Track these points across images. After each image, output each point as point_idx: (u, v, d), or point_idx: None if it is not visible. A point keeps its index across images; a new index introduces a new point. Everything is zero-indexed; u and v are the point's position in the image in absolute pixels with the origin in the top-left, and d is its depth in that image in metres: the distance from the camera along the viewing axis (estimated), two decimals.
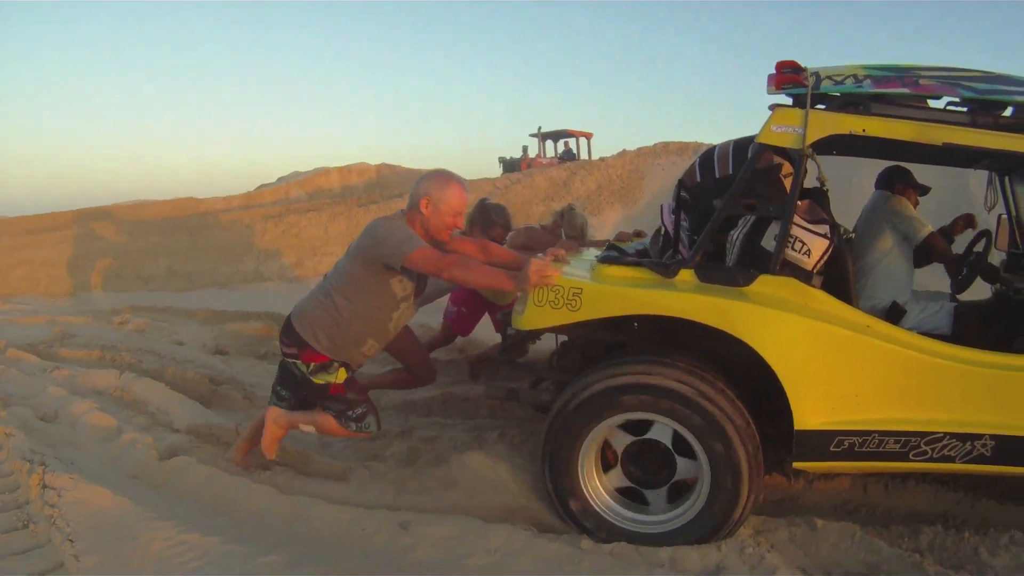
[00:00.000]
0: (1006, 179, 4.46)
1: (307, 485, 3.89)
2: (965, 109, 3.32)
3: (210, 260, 13.41)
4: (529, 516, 3.56)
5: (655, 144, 21.00)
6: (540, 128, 27.56)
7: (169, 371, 5.95)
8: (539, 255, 3.69)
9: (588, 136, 27.45)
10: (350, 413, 3.79)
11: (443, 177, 3.70)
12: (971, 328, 3.93)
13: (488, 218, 5.35)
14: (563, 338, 4.10)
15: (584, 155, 26.70)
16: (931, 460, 3.20)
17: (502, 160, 26.77)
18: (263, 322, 7.82)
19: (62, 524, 3.33)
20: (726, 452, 3.16)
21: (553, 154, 27.74)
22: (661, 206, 4.17)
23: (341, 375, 3.75)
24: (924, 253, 4.36)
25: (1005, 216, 4.52)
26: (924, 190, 4.60)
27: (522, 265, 3.55)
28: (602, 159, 20.85)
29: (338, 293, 3.68)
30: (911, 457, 3.20)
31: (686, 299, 3.25)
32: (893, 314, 3.99)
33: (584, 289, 3.33)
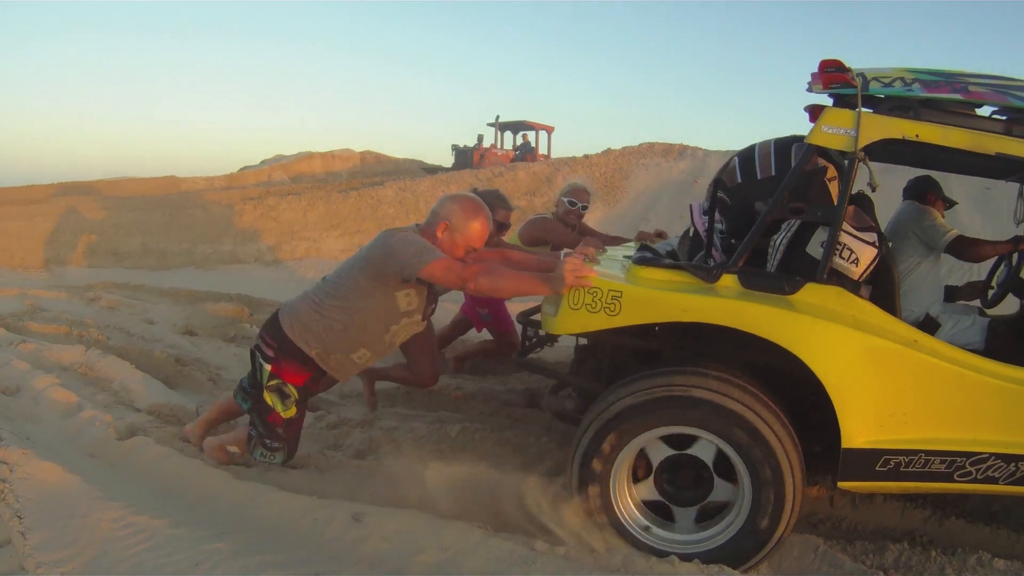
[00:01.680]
0: None
1: (263, 471, 3.75)
2: (1005, 118, 3.13)
3: (188, 240, 13.28)
4: (485, 515, 3.39)
5: (641, 144, 21.26)
6: (498, 117, 26.24)
7: (135, 349, 5.81)
8: (564, 252, 3.48)
9: (549, 130, 26.44)
10: (267, 441, 3.53)
11: (470, 206, 3.47)
12: (1004, 343, 3.82)
13: (487, 203, 4.98)
14: (582, 341, 3.88)
15: (543, 150, 26.17)
16: (975, 481, 3.05)
17: (455, 148, 25.68)
18: (235, 304, 7.69)
19: (11, 499, 3.22)
20: (774, 477, 2.96)
21: (511, 146, 26.90)
22: (691, 206, 4.00)
23: (291, 411, 3.51)
24: (953, 255, 4.26)
25: None
26: (951, 203, 4.51)
27: (549, 267, 3.35)
28: (586, 156, 20.81)
29: (336, 299, 3.47)
30: (956, 478, 3.06)
31: (733, 306, 3.05)
32: (927, 326, 3.87)
33: (624, 292, 3.10)
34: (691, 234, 4.02)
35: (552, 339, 4.27)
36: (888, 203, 4.43)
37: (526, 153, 25.65)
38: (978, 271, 6.94)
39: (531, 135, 26.96)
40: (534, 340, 4.11)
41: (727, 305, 3.04)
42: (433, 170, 24.23)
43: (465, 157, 24.96)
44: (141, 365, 5.40)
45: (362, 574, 2.90)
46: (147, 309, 7.94)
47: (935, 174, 4.54)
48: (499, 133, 26.43)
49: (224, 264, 12.67)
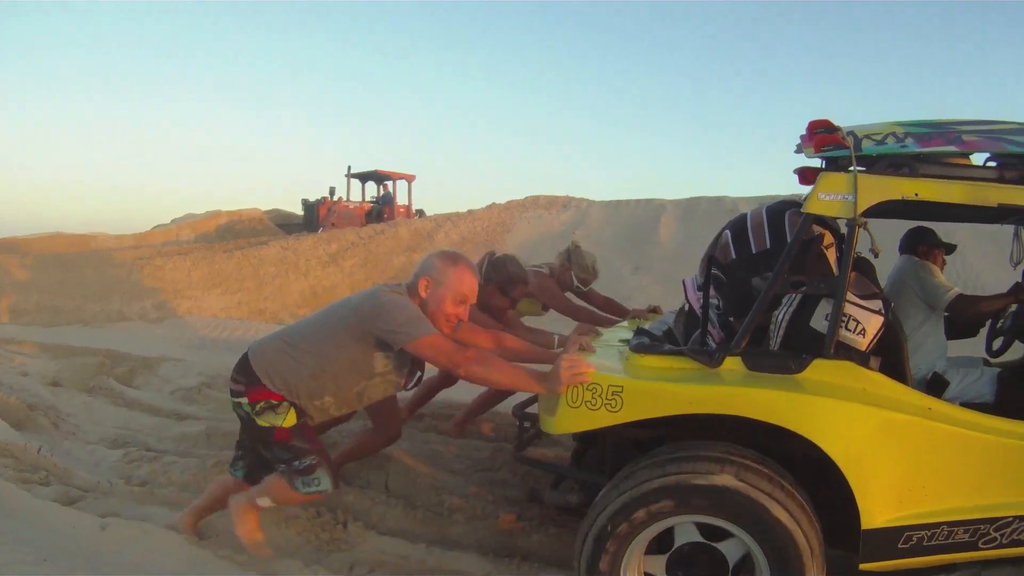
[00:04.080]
0: None
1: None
2: (995, 164, 3.07)
3: (79, 297, 13.63)
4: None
5: (525, 197, 21.89)
6: (350, 168, 24.53)
7: None
8: (557, 343, 3.43)
9: (409, 179, 24.57)
10: (296, 464, 3.25)
11: (449, 257, 3.31)
12: (1013, 393, 3.71)
13: (508, 276, 4.69)
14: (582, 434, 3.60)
15: (403, 200, 24.35)
16: (1001, 546, 2.93)
17: (304, 203, 23.74)
18: (99, 359, 7.98)
19: None
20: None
21: (366, 198, 24.94)
22: (684, 282, 3.79)
23: (290, 418, 3.25)
24: (953, 315, 4.17)
25: None
26: (950, 249, 4.39)
27: (541, 356, 3.24)
28: (470, 211, 21.12)
29: (307, 344, 3.28)
30: (981, 546, 2.93)
31: (737, 393, 2.88)
32: (935, 385, 3.77)
33: (625, 387, 2.91)
34: (686, 310, 3.85)
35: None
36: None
37: (384, 205, 23.96)
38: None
39: (400, 186, 24.75)
40: (531, 432, 3.81)
41: (733, 392, 2.89)
42: (289, 228, 23.33)
43: (312, 212, 23.02)
44: None
45: None
46: (24, 363, 8.39)
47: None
48: (349, 184, 24.58)
49: (111, 321, 12.93)
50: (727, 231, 3.50)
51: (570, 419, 2.97)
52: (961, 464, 2.93)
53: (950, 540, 2.93)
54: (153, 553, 3.11)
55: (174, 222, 24.18)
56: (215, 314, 13.59)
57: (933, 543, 2.93)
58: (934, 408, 2.94)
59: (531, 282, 5.03)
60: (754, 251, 3.34)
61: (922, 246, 4.28)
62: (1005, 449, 2.91)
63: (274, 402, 3.25)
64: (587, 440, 3.67)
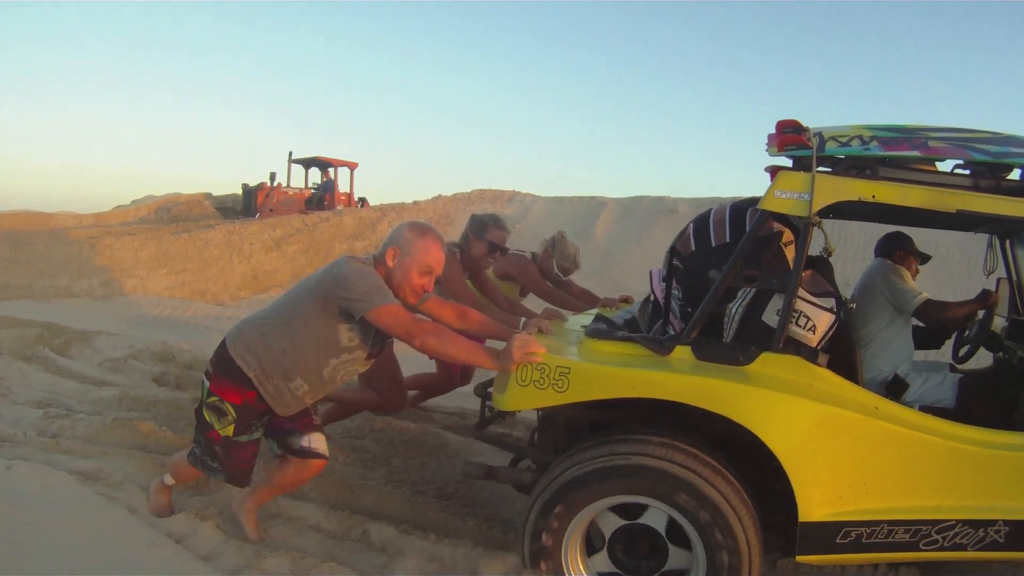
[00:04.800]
0: (1007, 243, 4.23)
1: None
2: (968, 172, 3.10)
3: (29, 274, 13.92)
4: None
5: (472, 191, 21.96)
6: (291, 153, 23.80)
7: None
8: (523, 323, 3.43)
9: (351, 166, 23.97)
10: (206, 459, 3.34)
11: (419, 228, 3.30)
12: (975, 400, 3.70)
13: (481, 222, 4.86)
14: (542, 413, 3.69)
15: (344, 187, 23.80)
16: (943, 549, 2.93)
17: (244, 188, 23.07)
18: (39, 330, 8.17)
19: None
20: (725, 540, 2.83)
21: (307, 184, 24.33)
22: (650, 272, 3.82)
23: (227, 430, 3.28)
24: (921, 320, 4.15)
25: (1005, 280, 4.28)
26: (925, 258, 4.38)
27: (503, 334, 3.21)
28: (415, 203, 21.16)
29: (279, 320, 3.27)
30: (921, 547, 2.94)
31: (682, 381, 2.92)
32: (895, 387, 3.77)
33: (572, 368, 2.94)
34: (651, 301, 3.87)
35: (511, 412, 3.99)
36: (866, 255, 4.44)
37: (325, 192, 23.35)
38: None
39: (344, 174, 24.17)
40: (494, 412, 3.83)
41: (676, 380, 2.93)
42: (226, 212, 22.88)
43: (251, 198, 22.40)
44: None
45: None
46: None
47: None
48: (290, 170, 23.72)
49: (59, 297, 13.25)
50: (691, 224, 3.52)
51: (518, 397, 3.01)
52: (905, 464, 2.95)
53: (890, 539, 2.93)
54: (47, 490, 3.48)
55: (134, 203, 24.20)
56: (159, 293, 14.00)
57: (873, 540, 2.93)
58: (881, 408, 2.96)
59: (513, 264, 5.28)
60: (713, 244, 3.37)
61: (898, 251, 4.27)
62: (952, 453, 2.93)
63: (224, 408, 3.27)
64: (547, 421, 3.69)
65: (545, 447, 3.59)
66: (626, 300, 5.18)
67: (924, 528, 2.93)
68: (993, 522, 2.91)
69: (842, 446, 2.91)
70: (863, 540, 2.93)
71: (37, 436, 4.59)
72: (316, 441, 3.44)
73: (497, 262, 5.14)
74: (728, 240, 3.32)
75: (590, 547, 3.11)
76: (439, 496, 4.32)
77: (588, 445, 3.03)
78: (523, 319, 3.68)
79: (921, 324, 4.31)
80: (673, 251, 3.48)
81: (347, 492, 4.09)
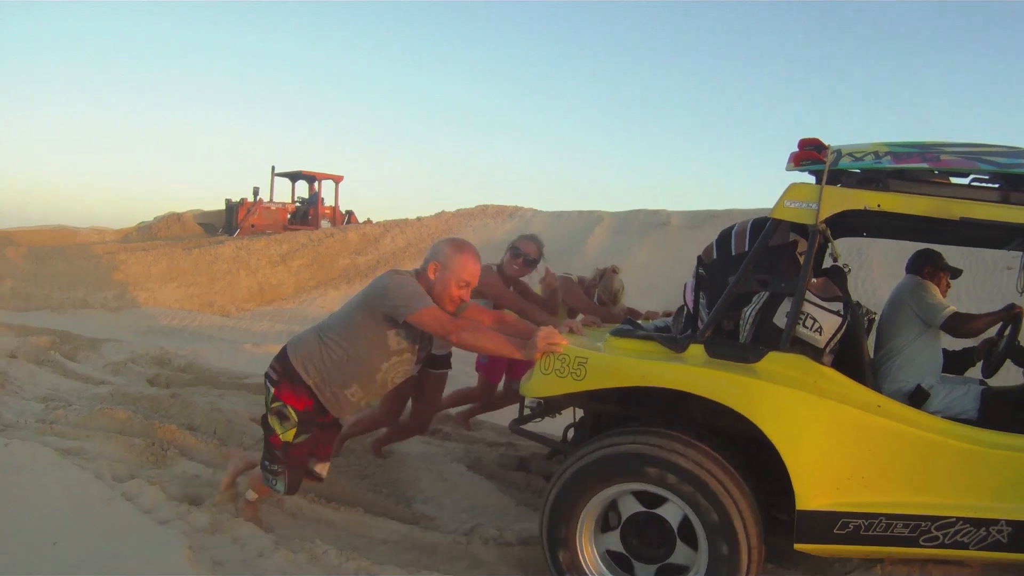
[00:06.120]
0: None
1: None
2: (996, 186, 3.13)
3: (49, 287, 14.68)
4: None
5: (475, 206, 21.98)
6: (273, 168, 23.63)
7: None
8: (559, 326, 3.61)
9: (337, 179, 23.87)
10: (266, 463, 3.61)
11: (457, 245, 3.57)
12: (999, 413, 3.66)
13: (517, 239, 5.22)
14: (581, 413, 3.89)
15: (330, 201, 23.62)
16: (943, 546, 2.96)
17: (228, 203, 23.00)
18: (51, 337, 9.12)
19: None
20: (729, 554, 2.96)
21: (294, 199, 24.06)
22: (685, 284, 3.89)
23: (288, 435, 3.54)
24: (949, 332, 4.14)
25: None
26: (956, 273, 4.39)
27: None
28: (419, 218, 21.30)
29: (333, 332, 3.55)
30: (921, 543, 2.96)
31: (688, 372, 3.07)
32: (917, 397, 3.80)
33: (589, 359, 3.16)
34: (684, 311, 3.97)
35: (552, 411, 4.19)
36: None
37: (310, 206, 23.23)
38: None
39: (331, 187, 23.97)
40: (535, 409, 4.07)
41: (684, 372, 3.08)
42: (210, 228, 22.76)
43: (232, 213, 22.24)
44: None
45: None
46: None
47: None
48: (273, 184, 23.56)
49: (75, 308, 13.93)
50: (717, 236, 3.69)
51: (541, 384, 3.24)
52: (905, 461, 2.99)
53: (889, 533, 2.97)
54: (34, 460, 4.10)
55: (157, 219, 24.55)
56: (169, 305, 14.62)
57: (871, 533, 2.97)
58: (883, 406, 3.03)
59: (559, 282, 5.47)
60: (734, 253, 3.51)
61: (927, 267, 4.29)
62: (954, 451, 2.96)
63: (287, 412, 3.54)
64: (583, 421, 3.90)
65: (577, 443, 3.77)
66: (669, 315, 5.15)
67: (924, 524, 2.95)
68: (995, 522, 2.92)
69: (841, 439, 2.99)
70: (861, 532, 2.99)
71: (36, 423, 5.21)
72: (322, 468, 3.80)
73: (546, 280, 5.43)
74: (746, 249, 3.44)
75: (605, 525, 3.25)
76: (360, 476, 4.85)
77: (623, 430, 3.22)
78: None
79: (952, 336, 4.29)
80: (699, 261, 3.63)
81: None
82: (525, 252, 5.06)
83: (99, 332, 10.58)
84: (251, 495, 3.80)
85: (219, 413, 5.60)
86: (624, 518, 3.21)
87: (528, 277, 5.28)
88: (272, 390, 3.58)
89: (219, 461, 4.67)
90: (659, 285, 12.72)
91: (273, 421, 3.57)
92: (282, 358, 3.61)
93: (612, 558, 3.25)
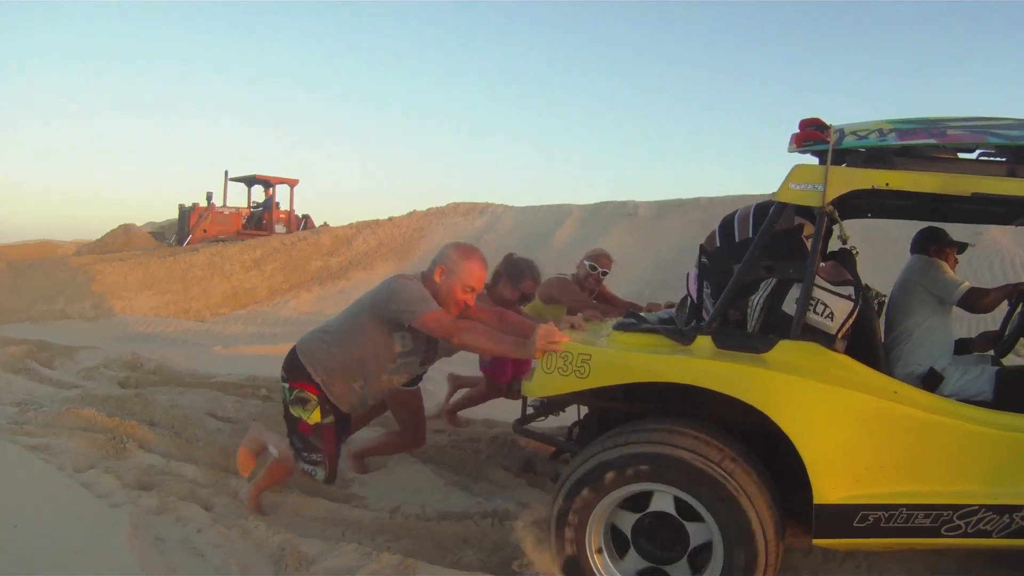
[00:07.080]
0: None
1: None
2: (1004, 160, 3.00)
3: (28, 299, 14.85)
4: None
5: (446, 204, 21.82)
6: (227, 173, 23.18)
7: None
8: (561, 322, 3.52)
9: (291, 183, 23.42)
10: (304, 454, 3.65)
11: (464, 250, 3.58)
12: (1016, 393, 3.54)
13: (518, 270, 5.01)
14: (586, 409, 3.74)
15: (285, 205, 23.30)
16: (965, 535, 2.82)
17: (181, 208, 22.48)
18: (29, 347, 9.13)
19: None
20: (747, 557, 2.82)
21: (249, 203, 23.64)
22: (687, 273, 3.78)
23: (315, 416, 3.59)
24: (966, 308, 4.00)
25: None
26: (962, 247, 4.26)
27: None
28: (391, 219, 21.13)
29: (339, 334, 3.61)
30: (943, 532, 2.83)
31: (696, 365, 2.94)
32: (930, 380, 3.68)
33: (593, 355, 3.02)
34: (688, 301, 3.85)
35: (555, 410, 4.07)
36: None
37: (265, 211, 22.85)
38: (992, 321, 6.43)
39: (281, 190, 23.59)
40: (538, 408, 3.94)
41: (692, 365, 2.95)
42: (160, 237, 22.46)
43: (185, 219, 21.68)
44: None
45: None
46: None
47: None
48: (227, 189, 23.06)
49: (55, 319, 14.03)
50: (719, 223, 3.58)
51: (543, 383, 3.12)
52: (925, 448, 2.85)
53: (910, 524, 2.83)
54: (2, 455, 4.31)
55: (108, 234, 23.74)
56: (145, 313, 14.79)
57: (891, 525, 2.84)
58: (900, 392, 2.90)
59: (554, 286, 5.38)
60: (737, 239, 3.40)
61: (933, 245, 4.16)
62: (974, 437, 2.82)
63: (306, 396, 3.59)
64: (588, 417, 3.75)
65: (582, 441, 3.65)
66: (671, 305, 5.07)
67: (945, 513, 2.81)
68: (1019, 507, 2.77)
69: (858, 429, 2.86)
70: (881, 524, 2.85)
71: (8, 424, 5.32)
72: None
73: (541, 288, 5.28)
74: (750, 235, 3.35)
75: (620, 550, 3.11)
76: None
77: (615, 433, 3.09)
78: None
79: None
80: (701, 249, 3.49)
81: (224, 456, 4.84)
82: (527, 292, 5.07)
83: (76, 341, 10.74)
84: (274, 453, 3.91)
85: (177, 409, 5.81)
86: (629, 532, 3.09)
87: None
88: (286, 384, 3.68)
89: (174, 452, 4.96)
90: (627, 274, 12.79)
91: (296, 410, 3.63)
92: (290, 357, 3.71)
93: (613, 539, 3.16)
